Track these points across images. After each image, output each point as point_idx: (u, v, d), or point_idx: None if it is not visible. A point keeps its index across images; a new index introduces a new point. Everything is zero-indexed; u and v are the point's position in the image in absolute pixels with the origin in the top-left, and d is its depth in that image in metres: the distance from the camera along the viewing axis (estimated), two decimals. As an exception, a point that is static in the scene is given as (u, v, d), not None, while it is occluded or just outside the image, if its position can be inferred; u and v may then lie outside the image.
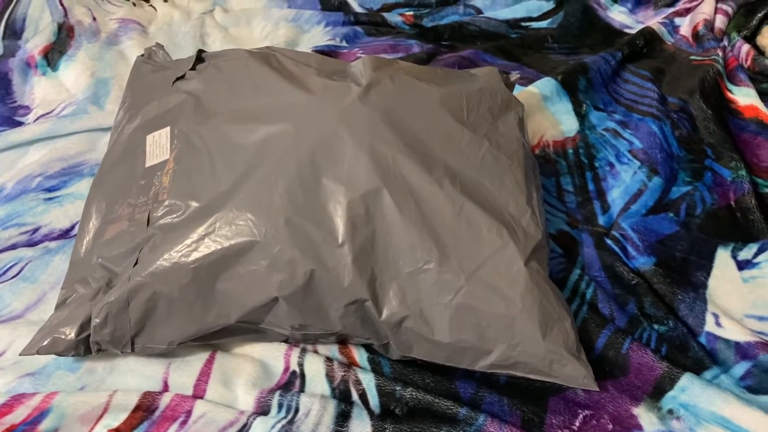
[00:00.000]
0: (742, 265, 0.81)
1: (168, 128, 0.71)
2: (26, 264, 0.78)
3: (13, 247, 0.81)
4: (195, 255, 0.63)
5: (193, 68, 0.78)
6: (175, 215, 0.66)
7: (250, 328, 0.67)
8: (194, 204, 0.66)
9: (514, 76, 0.88)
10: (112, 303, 0.63)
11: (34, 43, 1.06)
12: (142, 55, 0.86)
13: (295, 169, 0.66)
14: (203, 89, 0.73)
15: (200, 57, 0.80)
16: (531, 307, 0.65)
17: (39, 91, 1.00)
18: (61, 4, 1.12)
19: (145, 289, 0.63)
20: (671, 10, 1.16)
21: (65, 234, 0.83)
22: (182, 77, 0.76)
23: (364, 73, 0.73)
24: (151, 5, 1.20)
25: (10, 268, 0.78)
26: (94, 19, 1.12)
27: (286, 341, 0.71)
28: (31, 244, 0.81)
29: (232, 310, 0.64)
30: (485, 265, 0.65)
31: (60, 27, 1.08)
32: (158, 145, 0.71)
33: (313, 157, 0.66)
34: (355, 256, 0.64)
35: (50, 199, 0.86)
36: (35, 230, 0.83)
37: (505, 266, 0.66)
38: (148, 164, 0.71)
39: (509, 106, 0.81)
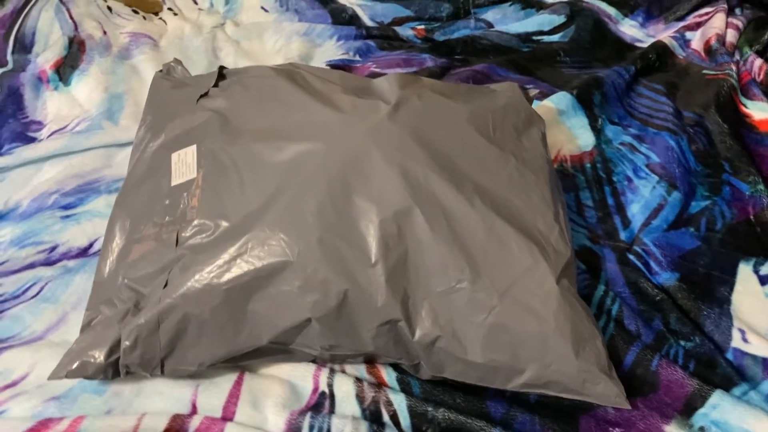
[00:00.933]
0: (764, 280, 0.81)
1: (194, 146, 0.70)
2: (46, 284, 0.77)
3: (32, 266, 0.79)
4: (227, 276, 0.62)
5: (215, 85, 0.77)
6: (204, 235, 0.65)
7: (279, 349, 0.67)
8: (224, 224, 0.65)
9: (533, 91, 0.89)
10: (142, 325, 0.62)
11: (45, 58, 1.04)
12: (161, 71, 0.85)
13: (326, 188, 0.65)
14: (229, 107, 0.73)
15: (222, 73, 0.80)
16: (563, 325, 0.64)
17: (51, 107, 0.98)
18: (71, 18, 1.11)
19: (176, 310, 0.62)
20: (682, 24, 1.17)
21: (84, 252, 0.81)
22: (206, 94, 0.76)
23: (392, 91, 0.73)
24: (161, 18, 1.19)
25: (29, 287, 0.77)
26: (105, 32, 1.11)
27: (313, 361, 0.70)
28: (49, 263, 0.80)
29: (263, 332, 0.64)
30: (517, 284, 0.65)
31: (71, 41, 1.07)
32: (184, 164, 0.70)
33: (344, 176, 0.66)
34: (388, 275, 0.63)
35: (67, 216, 0.85)
36: (53, 249, 0.81)
37: (537, 284, 0.65)
38: (174, 183, 0.70)
39: (532, 121, 0.81)
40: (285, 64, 0.79)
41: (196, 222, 0.66)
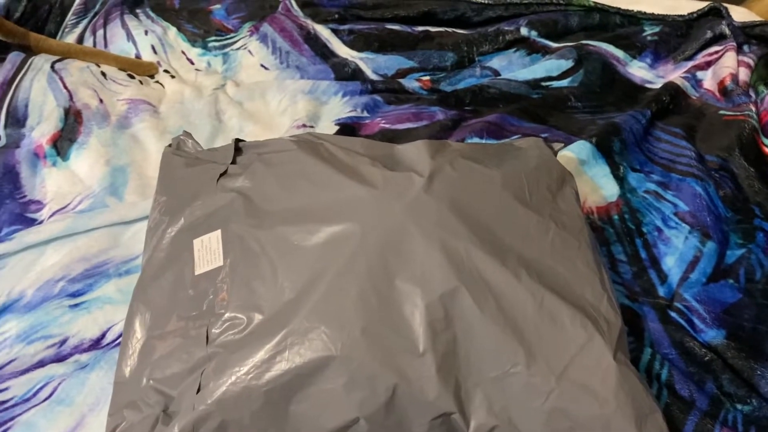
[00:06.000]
0: (812, 332, 0.78)
1: (218, 231, 0.66)
2: (59, 383, 0.71)
3: (41, 363, 0.73)
4: (267, 376, 0.57)
5: (233, 161, 0.73)
6: (237, 330, 0.60)
7: (321, 448, 0.62)
8: (258, 317, 0.60)
9: (558, 145, 0.86)
10: (176, 436, 0.57)
11: (40, 132, 0.99)
12: (170, 146, 0.80)
13: (366, 273, 0.61)
14: (252, 187, 0.68)
15: (238, 147, 0.75)
16: (625, 404, 0.60)
17: (51, 184, 0.93)
18: (65, 87, 1.06)
19: (213, 418, 0.57)
20: (692, 63, 1.15)
21: (96, 344, 0.76)
22: (225, 173, 0.71)
23: (422, 160, 0.69)
24: (157, 82, 1.15)
25: (42, 388, 0.71)
26: (101, 100, 1.06)
27: (356, 454, 0.65)
28: (59, 358, 0.74)
29: (307, 434, 0.59)
30: (574, 363, 0.61)
31: (66, 112, 1.02)
32: (208, 251, 0.65)
33: (384, 258, 0.61)
34: (438, 365, 0.59)
35: (76, 305, 0.79)
36: (63, 342, 0.76)
37: (595, 362, 0.61)
38: (198, 272, 0.65)
39: (564, 180, 0.77)
40: (304, 134, 0.75)
41: (227, 316, 0.61)
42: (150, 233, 0.72)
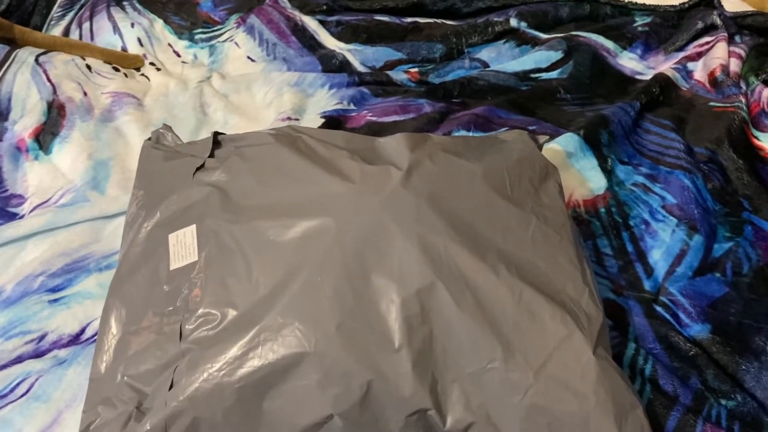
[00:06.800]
0: (799, 326, 0.77)
1: (194, 226, 0.65)
2: (36, 379, 0.71)
3: (19, 359, 0.73)
4: (239, 373, 0.57)
5: (211, 155, 0.72)
6: (210, 326, 0.59)
7: (297, 445, 0.61)
8: (232, 312, 0.59)
9: (543, 138, 0.84)
10: (148, 433, 0.56)
11: (23, 125, 0.98)
12: (149, 139, 0.80)
13: (342, 268, 0.60)
14: (229, 181, 0.67)
15: (217, 140, 0.75)
16: (605, 400, 0.59)
17: (33, 178, 0.92)
18: (49, 80, 1.05)
19: (185, 415, 0.56)
20: (682, 54, 1.14)
21: (75, 339, 0.75)
22: (202, 166, 0.70)
23: (401, 153, 0.68)
24: (143, 75, 1.13)
25: (19, 385, 0.70)
26: (85, 93, 1.05)
27: (334, 451, 0.64)
28: (38, 354, 0.74)
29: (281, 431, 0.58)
30: (552, 359, 0.60)
31: (50, 105, 1.01)
32: (183, 246, 0.65)
33: (360, 253, 0.61)
34: (414, 361, 0.58)
35: (55, 300, 0.78)
36: (42, 338, 0.75)
37: (574, 357, 0.61)
38: (172, 267, 0.64)
39: (548, 173, 0.76)
40: (284, 128, 0.74)
41: (200, 311, 0.60)
42: (127, 227, 0.71)
